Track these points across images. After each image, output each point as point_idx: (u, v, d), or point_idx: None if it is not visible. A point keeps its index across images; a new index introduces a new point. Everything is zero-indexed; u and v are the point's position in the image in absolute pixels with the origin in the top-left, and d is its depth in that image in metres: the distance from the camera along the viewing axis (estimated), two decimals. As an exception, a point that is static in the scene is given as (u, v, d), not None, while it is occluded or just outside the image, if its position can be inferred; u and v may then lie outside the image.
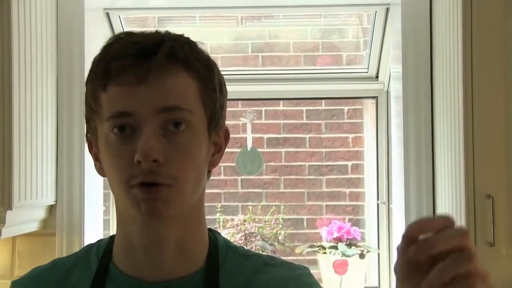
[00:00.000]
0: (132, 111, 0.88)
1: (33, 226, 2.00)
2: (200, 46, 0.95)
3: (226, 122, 1.01)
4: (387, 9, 2.24)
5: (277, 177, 2.74)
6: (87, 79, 0.94)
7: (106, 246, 1.01)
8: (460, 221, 1.68)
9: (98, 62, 0.92)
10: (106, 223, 2.37)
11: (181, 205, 0.92)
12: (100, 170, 0.97)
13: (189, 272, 0.96)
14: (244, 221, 2.52)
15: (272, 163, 2.73)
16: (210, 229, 1.02)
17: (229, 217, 2.61)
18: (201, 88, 0.93)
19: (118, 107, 0.89)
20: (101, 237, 2.15)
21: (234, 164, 2.55)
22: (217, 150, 0.99)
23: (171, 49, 0.90)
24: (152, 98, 0.88)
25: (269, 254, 2.34)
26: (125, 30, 2.32)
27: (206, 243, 0.99)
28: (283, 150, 2.75)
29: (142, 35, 0.93)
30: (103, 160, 0.94)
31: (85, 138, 1.00)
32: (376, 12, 2.29)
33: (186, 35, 0.95)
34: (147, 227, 0.93)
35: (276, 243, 2.48)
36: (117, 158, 0.90)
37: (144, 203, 0.88)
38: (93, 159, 0.98)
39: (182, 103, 0.90)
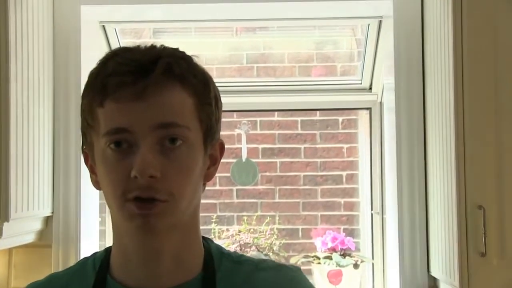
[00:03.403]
0: (129, 127, 0.89)
1: (30, 238, 2.01)
2: (196, 60, 0.96)
3: (221, 133, 1.02)
4: (380, 22, 2.26)
5: (272, 187, 2.74)
6: (84, 93, 0.95)
7: (102, 258, 1.01)
8: (452, 231, 1.70)
9: (95, 77, 0.92)
10: (102, 234, 2.37)
11: (176, 218, 0.93)
12: (96, 183, 0.98)
13: (185, 280, 0.96)
14: (239, 231, 2.53)
15: (267, 173, 2.74)
16: (203, 237, 1.03)
17: (224, 228, 2.61)
18: (197, 103, 0.94)
19: (115, 124, 0.90)
20: (97, 248, 2.17)
21: (229, 175, 2.56)
22: (213, 162, 1.00)
23: (167, 66, 0.91)
24: (149, 114, 0.89)
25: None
26: (121, 45, 2.35)
27: (201, 252, 1.00)
28: (278, 160, 2.76)
29: (139, 50, 0.93)
30: (99, 174, 0.94)
31: (81, 151, 1.01)
32: (369, 24, 2.31)
33: (181, 49, 0.96)
34: (142, 241, 0.93)
35: (271, 253, 2.50)
36: (113, 173, 0.91)
37: (138, 218, 0.89)
38: (89, 171, 0.99)
39: (178, 119, 0.91)
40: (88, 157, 0.98)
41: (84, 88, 0.95)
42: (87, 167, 0.99)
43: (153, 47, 0.94)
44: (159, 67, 0.90)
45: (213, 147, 0.99)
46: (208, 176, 1.00)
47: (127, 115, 0.89)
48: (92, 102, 0.92)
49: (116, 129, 0.90)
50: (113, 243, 1.00)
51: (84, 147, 0.98)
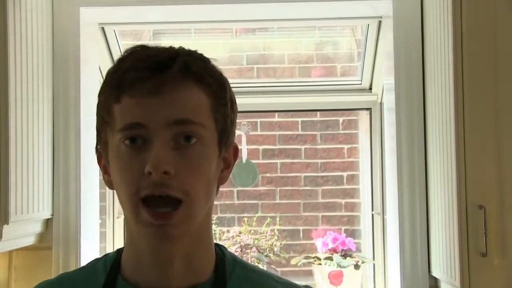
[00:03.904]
0: (145, 123, 0.89)
1: (30, 240, 2.01)
2: (213, 62, 0.97)
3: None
4: (380, 22, 2.26)
5: (273, 188, 2.75)
6: (100, 90, 0.95)
7: (113, 260, 1.01)
8: (453, 231, 1.70)
9: (112, 74, 0.93)
10: (102, 236, 2.37)
11: (191, 223, 0.92)
12: (109, 183, 0.97)
13: (196, 283, 0.96)
14: (240, 232, 2.53)
15: (267, 174, 2.74)
16: (216, 244, 1.03)
17: (224, 229, 2.61)
18: (213, 103, 0.94)
19: (131, 119, 0.90)
20: (97, 250, 2.17)
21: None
22: (226, 166, 1.00)
23: (185, 63, 0.91)
24: (165, 110, 0.90)
25: (264, 266, 2.36)
26: (121, 47, 2.35)
27: (213, 257, 1.00)
28: (278, 161, 2.76)
29: (157, 49, 0.94)
30: (113, 173, 0.94)
31: (94, 151, 1.00)
32: (368, 25, 2.31)
33: (199, 51, 0.97)
34: (156, 246, 0.93)
35: (272, 255, 2.49)
36: (127, 170, 0.90)
37: (153, 227, 0.90)
38: (102, 171, 0.99)
39: (194, 117, 0.91)
40: (102, 157, 0.98)
41: (101, 86, 0.95)
42: (100, 167, 0.99)
43: (171, 46, 0.95)
44: (176, 64, 0.90)
45: (227, 149, 0.99)
46: (221, 179, 0.99)
47: (142, 110, 0.90)
48: (108, 98, 0.92)
49: (132, 124, 0.90)
50: (126, 244, 1.00)
51: (98, 146, 0.98)
